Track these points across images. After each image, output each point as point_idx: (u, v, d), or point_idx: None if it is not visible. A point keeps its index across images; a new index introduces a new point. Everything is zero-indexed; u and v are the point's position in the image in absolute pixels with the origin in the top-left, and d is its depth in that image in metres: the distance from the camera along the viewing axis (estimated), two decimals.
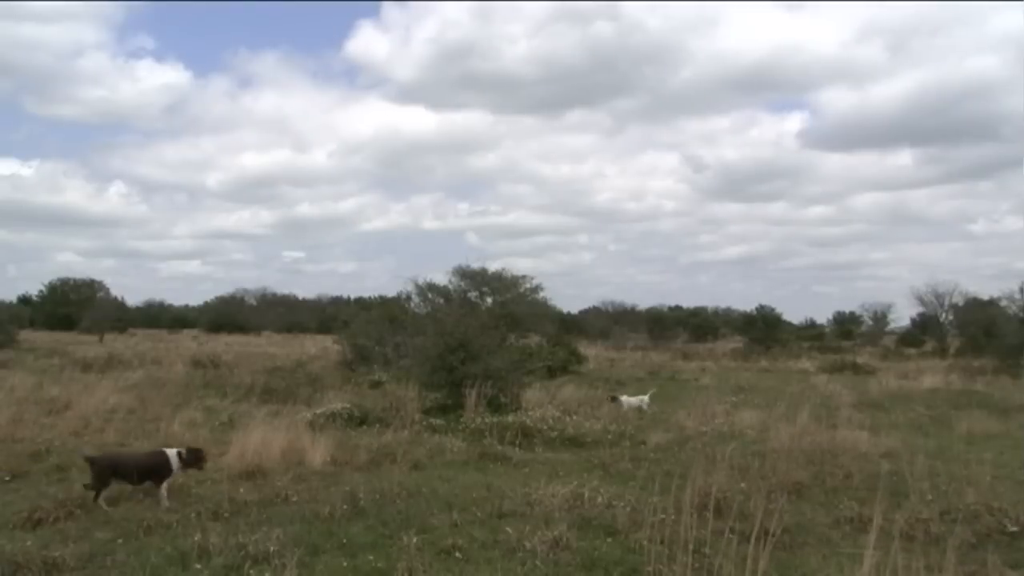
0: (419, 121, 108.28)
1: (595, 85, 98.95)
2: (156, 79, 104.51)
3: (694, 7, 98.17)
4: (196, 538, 4.83)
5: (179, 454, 6.37)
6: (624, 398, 12.82)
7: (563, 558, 4.76)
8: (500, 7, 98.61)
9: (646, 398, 12.91)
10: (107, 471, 6.04)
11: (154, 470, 6.17)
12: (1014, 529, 5.49)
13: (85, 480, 6.04)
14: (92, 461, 6.13)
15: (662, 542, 4.67)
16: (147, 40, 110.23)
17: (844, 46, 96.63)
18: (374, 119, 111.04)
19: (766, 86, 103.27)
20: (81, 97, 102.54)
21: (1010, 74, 75.12)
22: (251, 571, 4.41)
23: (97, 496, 5.89)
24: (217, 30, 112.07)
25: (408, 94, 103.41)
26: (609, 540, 5.15)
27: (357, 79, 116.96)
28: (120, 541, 5.01)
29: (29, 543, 4.82)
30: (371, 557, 4.70)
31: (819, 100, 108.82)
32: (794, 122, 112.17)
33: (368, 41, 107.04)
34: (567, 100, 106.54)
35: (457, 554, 4.81)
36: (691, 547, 4.40)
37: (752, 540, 3.73)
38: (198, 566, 4.49)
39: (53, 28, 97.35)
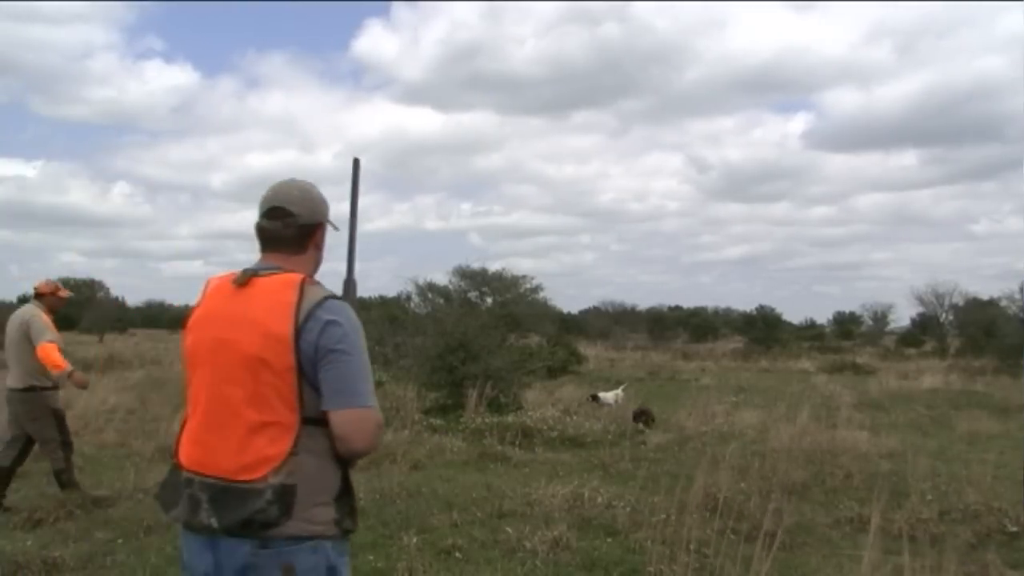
0: (425, 122, 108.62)
1: (601, 86, 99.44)
2: (164, 80, 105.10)
3: (703, 8, 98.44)
4: None
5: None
6: (602, 395, 12.94)
7: (563, 558, 4.75)
8: (510, 8, 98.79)
9: (620, 392, 13.24)
10: (641, 418, 10.47)
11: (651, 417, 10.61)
12: (1014, 529, 5.48)
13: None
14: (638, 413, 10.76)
15: (663, 542, 4.67)
16: (156, 41, 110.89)
17: (853, 47, 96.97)
18: (381, 120, 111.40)
19: (772, 87, 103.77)
20: (89, 97, 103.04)
21: (1015, 75, 75.32)
22: None
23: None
24: (226, 31, 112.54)
25: (415, 94, 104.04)
26: (609, 540, 5.14)
27: (364, 79, 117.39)
28: (120, 541, 5.00)
29: (29, 543, 4.81)
30: (371, 557, 4.70)
31: (824, 101, 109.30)
32: (799, 123, 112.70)
33: (376, 41, 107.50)
34: (573, 101, 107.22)
35: (457, 554, 4.80)
36: (692, 547, 4.40)
37: (753, 540, 3.73)
38: None
39: (63, 29, 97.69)
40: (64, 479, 5.87)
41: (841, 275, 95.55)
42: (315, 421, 1.75)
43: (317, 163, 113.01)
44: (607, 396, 12.99)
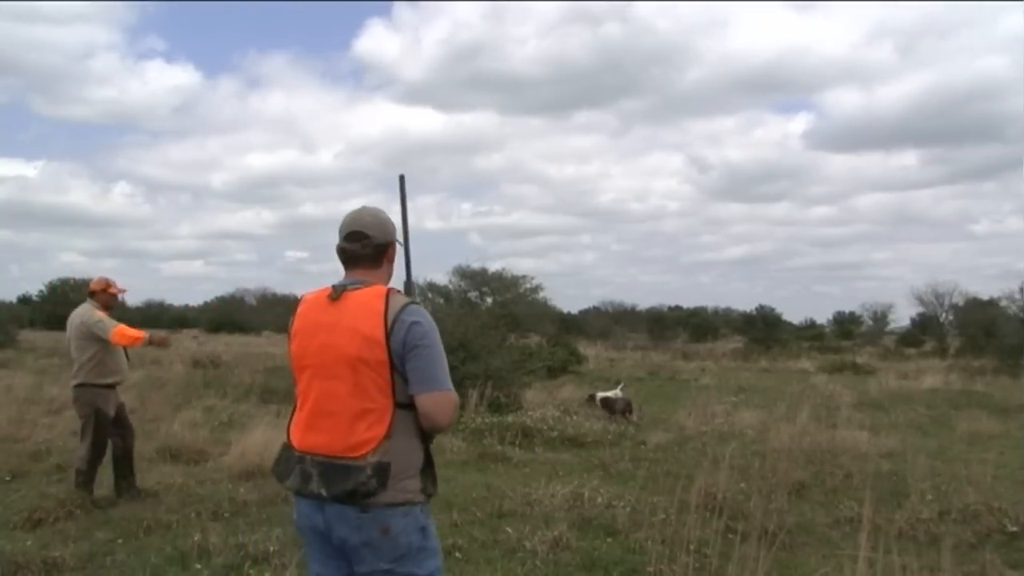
0: (426, 122, 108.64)
1: (602, 86, 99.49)
2: (166, 80, 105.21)
3: (704, 8, 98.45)
4: (196, 538, 4.82)
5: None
6: (600, 394, 12.89)
7: (563, 558, 4.75)
8: (511, 8, 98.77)
9: (618, 391, 13.14)
10: (614, 407, 11.26)
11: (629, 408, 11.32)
12: (1014, 529, 5.48)
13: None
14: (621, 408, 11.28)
15: (663, 542, 4.67)
16: (158, 41, 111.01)
17: (853, 47, 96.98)
18: (381, 120, 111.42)
19: (773, 87, 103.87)
20: (90, 97, 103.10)
21: (1016, 75, 75.37)
22: (251, 571, 4.40)
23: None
24: (227, 31, 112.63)
25: (416, 95, 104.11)
26: (609, 540, 5.14)
27: (365, 79, 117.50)
28: (120, 541, 5.01)
29: (29, 543, 4.81)
30: None
31: (825, 101, 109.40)
32: (799, 123, 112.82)
33: (378, 41, 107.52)
34: (574, 101, 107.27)
35: (457, 554, 4.80)
36: (692, 547, 4.40)
37: (753, 540, 3.73)
38: (198, 566, 4.49)
39: (64, 29, 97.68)
40: (79, 480, 5.94)
41: (841, 275, 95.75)
42: (405, 405, 2.18)
43: (318, 163, 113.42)
44: (607, 396, 13.00)
